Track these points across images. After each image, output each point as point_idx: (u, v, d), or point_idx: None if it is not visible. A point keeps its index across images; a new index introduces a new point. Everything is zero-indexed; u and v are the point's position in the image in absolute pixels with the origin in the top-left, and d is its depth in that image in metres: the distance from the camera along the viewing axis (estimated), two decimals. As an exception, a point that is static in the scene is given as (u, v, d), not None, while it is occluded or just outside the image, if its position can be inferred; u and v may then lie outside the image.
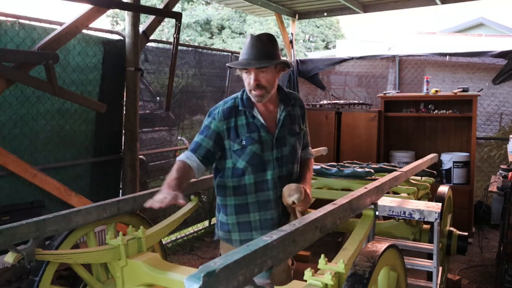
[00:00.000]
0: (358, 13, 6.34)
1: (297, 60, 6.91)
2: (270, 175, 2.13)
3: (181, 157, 2.10)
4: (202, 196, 2.93)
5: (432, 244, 2.82)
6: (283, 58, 2.16)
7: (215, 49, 6.06)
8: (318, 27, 21.99)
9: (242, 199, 2.14)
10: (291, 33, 6.76)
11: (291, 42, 6.72)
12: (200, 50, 5.41)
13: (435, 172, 4.14)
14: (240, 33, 20.93)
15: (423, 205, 2.86)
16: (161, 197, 1.78)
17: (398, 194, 3.60)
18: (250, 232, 2.17)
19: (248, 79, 2.07)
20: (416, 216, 2.76)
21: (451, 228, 3.44)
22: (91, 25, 3.50)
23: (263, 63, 2.02)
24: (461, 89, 5.36)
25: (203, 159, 2.09)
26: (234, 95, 2.21)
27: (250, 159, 2.10)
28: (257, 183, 2.12)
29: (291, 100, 2.24)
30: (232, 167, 2.12)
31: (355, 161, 4.35)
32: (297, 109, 2.26)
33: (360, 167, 3.92)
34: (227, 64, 2.16)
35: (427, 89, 5.49)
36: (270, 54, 2.05)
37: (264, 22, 20.05)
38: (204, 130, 2.13)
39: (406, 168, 3.16)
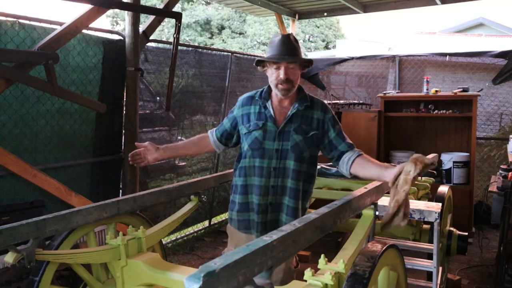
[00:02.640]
0: (358, 13, 6.34)
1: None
2: (267, 163, 2.26)
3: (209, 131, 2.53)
4: (202, 196, 2.94)
5: (432, 244, 2.82)
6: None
7: (215, 49, 6.05)
8: (318, 27, 21.97)
9: (245, 180, 2.31)
10: (291, 33, 6.75)
11: (291, 42, 6.72)
12: (200, 50, 5.40)
13: (435, 172, 4.14)
14: (240, 33, 20.93)
15: (423, 205, 2.86)
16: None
17: (398, 194, 3.60)
18: (248, 212, 2.31)
19: (277, 74, 2.22)
20: (416, 216, 2.76)
21: (451, 228, 3.44)
22: (91, 25, 3.49)
23: (295, 59, 2.22)
24: (461, 89, 5.35)
25: (220, 136, 2.47)
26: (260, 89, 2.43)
27: (251, 143, 2.28)
28: (255, 167, 2.28)
29: (308, 102, 2.31)
30: (246, 149, 2.33)
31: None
32: (317, 112, 2.31)
33: (360, 167, 3.91)
34: (258, 59, 2.31)
35: (427, 89, 5.48)
36: (297, 52, 2.25)
37: (264, 22, 20.04)
38: (229, 114, 2.47)
39: (406, 168, 3.16)
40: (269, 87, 2.34)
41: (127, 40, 3.87)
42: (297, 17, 6.84)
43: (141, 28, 4.00)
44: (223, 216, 5.96)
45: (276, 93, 2.27)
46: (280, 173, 2.23)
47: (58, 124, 3.52)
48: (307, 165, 2.29)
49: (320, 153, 2.44)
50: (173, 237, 5.03)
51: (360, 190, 2.19)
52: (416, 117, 5.85)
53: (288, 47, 2.20)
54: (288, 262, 2.24)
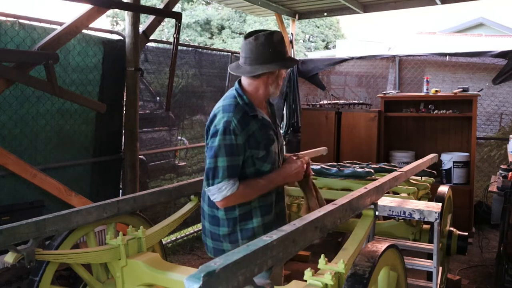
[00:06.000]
0: (358, 13, 6.34)
1: (297, 60, 6.92)
2: (278, 166, 2.17)
3: (226, 192, 1.93)
4: (202, 196, 2.93)
5: (432, 244, 2.82)
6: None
7: (215, 49, 6.06)
8: (318, 27, 21.98)
9: (267, 200, 2.10)
10: (291, 33, 6.76)
11: (291, 42, 6.73)
12: (200, 50, 5.41)
13: (435, 172, 4.13)
14: (240, 33, 20.92)
15: (423, 205, 2.85)
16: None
17: (398, 194, 3.60)
18: (271, 228, 2.09)
19: (282, 79, 2.15)
20: (416, 216, 2.76)
21: (451, 228, 3.43)
22: (91, 25, 3.50)
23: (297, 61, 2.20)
24: (461, 89, 5.35)
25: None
26: (230, 101, 2.05)
27: (274, 161, 2.10)
28: None
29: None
30: (255, 172, 2.04)
31: (355, 161, 4.35)
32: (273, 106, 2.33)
33: (360, 167, 3.92)
34: (286, 65, 2.14)
35: (427, 89, 5.48)
36: None
37: (264, 22, 20.04)
38: (230, 150, 1.95)
39: (406, 168, 3.16)
40: (240, 95, 2.06)
41: (127, 40, 3.87)
42: (297, 17, 6.83)
43: (141, 28, 4.00)
44: (223, 216, 5.95)
45: (264, 98, 2.13)
46: None
47: (58, 124, 3.52)
48: None
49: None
50: (173, 237, 5.03)
51: (360, 190, 2.19)
52: (416, 117, 5.85)
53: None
54: (277, 273, 2.14)
